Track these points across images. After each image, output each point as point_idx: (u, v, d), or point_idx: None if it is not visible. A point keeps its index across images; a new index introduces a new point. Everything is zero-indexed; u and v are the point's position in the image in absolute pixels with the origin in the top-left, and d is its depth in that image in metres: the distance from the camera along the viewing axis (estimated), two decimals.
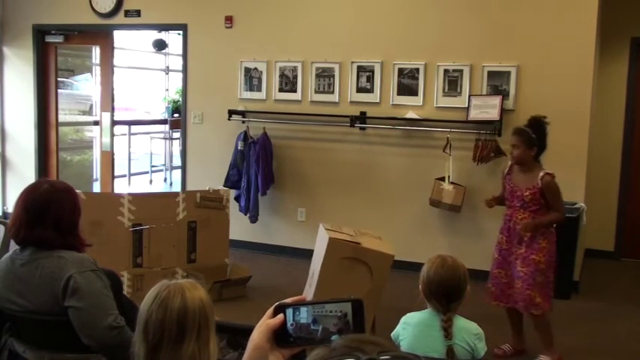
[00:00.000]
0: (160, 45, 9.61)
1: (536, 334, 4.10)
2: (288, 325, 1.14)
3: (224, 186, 6.04)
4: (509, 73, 5.55)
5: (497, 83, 5.60)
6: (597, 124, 6.16)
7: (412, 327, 2.54)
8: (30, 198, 2.41)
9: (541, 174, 3.95)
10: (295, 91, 6.25)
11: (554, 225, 4.05)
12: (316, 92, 6.18)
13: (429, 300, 2.51)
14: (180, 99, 7.74)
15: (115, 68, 7.54)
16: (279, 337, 1.14)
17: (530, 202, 3.97)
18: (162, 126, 11.26)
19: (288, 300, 1.17)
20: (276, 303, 1.16)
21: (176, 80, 10.53)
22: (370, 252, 4.18)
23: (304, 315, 1.14)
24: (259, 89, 6.38)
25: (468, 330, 2.50)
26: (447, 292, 2.46)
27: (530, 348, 4.23)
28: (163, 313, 1.68)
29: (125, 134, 10.20)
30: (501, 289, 4.11)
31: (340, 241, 4.18)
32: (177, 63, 10.28)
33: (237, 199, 6.25)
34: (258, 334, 1.15)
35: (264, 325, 1.15)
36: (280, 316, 1.15)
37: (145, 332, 1.68)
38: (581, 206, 5.28)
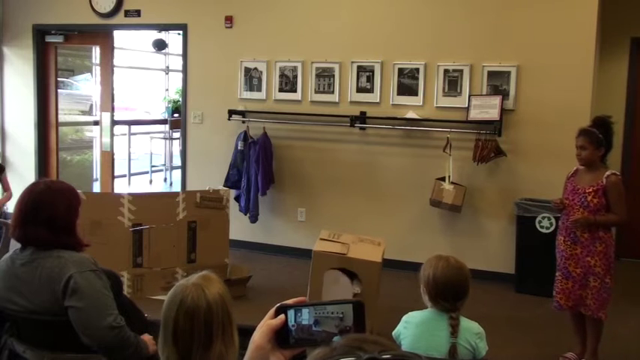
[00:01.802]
0: (160, 45, 9.60)
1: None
2: (290, 326, 1.15)
3: (224, 186, 6.04)
4: (509, 73, 5.55)
5: (497, 83, 5.60)
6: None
7: (414, 326, 2.54)
8: (25, 197, 2.42)
9: (607, 173, 3.84)
10: (295, 91, 6.25)
11: (612, 229, 3.91)
12: (316, 92, 6.18)
13: (434, 301, 2.50)
14: (180, 99, 7.73)
15: (115, 68, 7.54)
16: (281, 337, 1.15)
17: (591, 200, 3.82)
18: (162, 126, 11.26)
19: (290, 301, 1.17)
20: (278, 304, 1.16)
21: (176, 80, 10.53)
22: (355, 261, 4.20)
23: (305, 316, 1.15)
24: (259, 89, 6.38)
25: (469, 329, 2.50)
26: (455, 291, 2.46)
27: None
28: (191, 320, 1.69)
29: (125, 134, 10.20)
30: (567, 298, 3.96)
31: (325, 253, 4.23)
32: (177, 63, 10.28)
33: (237, 199, 6.25)
34: (259, 335, 1.15)
35: (266, 325, 1.16)
36: (281, 316, 1.15)
37: (174, 341, 1.68)
38: None
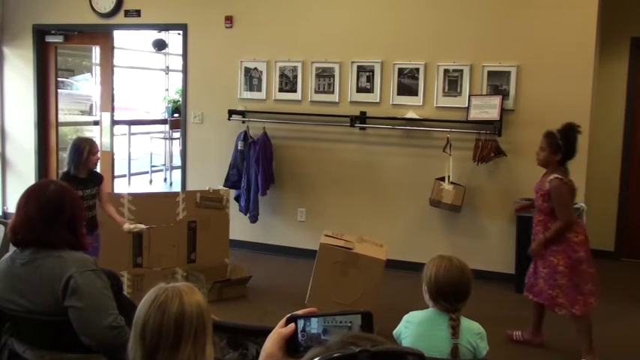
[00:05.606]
0: (160, 45, 9.61)
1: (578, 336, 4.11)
2: (299, 334, 1.18)
3: (224, 186, 6.04)
4: (509, 73, 5.55)
5: (497, 83, 5.60)
6: (597, 124, 6.16)
7: (415, 326, 2.54)
8: (42, 198, 2.39)
9: (551, 177, 3.93)
10: (295, 91, 6.25)
11: (581, 227, 4.06)
12: (316, 92, 6.18)
13: (435, 301, 2.50)
14: (180, 99, 7.74)
15: (115, 68, 7.54)
16: (291, 346, 1.18)
17: (542, 204, 4.00)
18: (163, 126, 11.26)
19: (300, 312, 1.21)
20: (288, 314, 1.20)
21: (176, 80, 10.53)
22: (361, 257, 4.24)
23: (315, 325, 1.18)
24: (259, 89, 6.39)
25: (470, 330, 2.51)
26: (456, 291, 2.47)
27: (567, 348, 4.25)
28: (161, 317, 1.66)
29: (125, 134, 10.20)
30: (531, 283, 4.20)
31: (332, 246, 4.25)
32: (177, 63, 10.28)
33: (237, 199, 6.25)
34: (270, 343, 1.19)
35: (277, 334, 1.20)
36: (292, 325, 1.19)
37: (142, 336, 1.66)
38: (581, 206, 5.28)
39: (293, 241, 6.33)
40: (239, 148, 6.29)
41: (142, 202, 4.83)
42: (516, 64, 5.53)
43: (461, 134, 5.62)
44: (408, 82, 5.87)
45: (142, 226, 4.46)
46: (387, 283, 4.62)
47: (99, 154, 4.59)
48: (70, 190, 2.52)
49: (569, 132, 3.99)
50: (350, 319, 1.18)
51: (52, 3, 7.16)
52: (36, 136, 7.37)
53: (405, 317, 2.61)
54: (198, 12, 6.58)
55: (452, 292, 2.46)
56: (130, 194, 4.86)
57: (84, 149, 4.34)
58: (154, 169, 10.77)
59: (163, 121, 11.05)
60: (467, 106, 5.60)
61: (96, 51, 7.94)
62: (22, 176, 7.33)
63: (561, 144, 3.94)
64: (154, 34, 9.48)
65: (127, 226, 4.41)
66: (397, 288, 5.05)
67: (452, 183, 5.59)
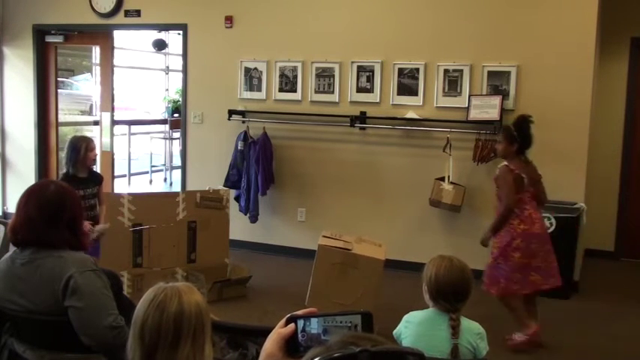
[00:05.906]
0: (160, 45, 9.61)
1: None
2: (299, 335, 1.18)
3: (224, 186, 6.04)
4: (509, 73, 5.55)
5: (497, 83, 5.60)
6: (597, 124, 6.16)
7: (415, 325, 2.54)
8: (42, 198, 2.39)
9: (500, 165, 4.25)
10: (295, 91, 6.25)
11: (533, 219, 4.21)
12: (316, 92, 6.18)
13: (435, 301, 2.51)
14: (180, 99, 7.74)
15: (115, 68, 7.54)
16: (291, 346, 1.18)
17: (496, 190, 4.31)
18: (163, 126, 11.26)
19: (300, 312, 1.21)
20: (288, 314, 1.20)
21: (176, 80, 10.53)
22: (360, 257, 4.25)
23: (315, 325, 1.18)
24: (259, 89, 6.39)
25: (470, 330, 2.51)
26: (456, 292, 2.47)
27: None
28: (160, 316, 1.66)
29: (125, 134, 10.20)
30: None
31: (330, 247, 4.26)
32: (177, 63, 10.27)
33: (237, 199, 6.25)
34: (270, 343, 1.19)
35: (277, 334, 1.20)
36: (291, 325, 1.19)
37: (141, 336, 1.66)
38: (581, 206, 5.28)
39: (293, 241, 6.33)
40: (239, 148, 6.29)
41: (142, 202, 4.83)
42: (516, 64, 5.53)
43: (461, 134, 5.62)
44: (408, 82, 5.88)
45: (102, 226, 4.40)
46: (387, 283, 4.62)
47: (96, 151, 4.61)
48: (70, 190, 2.52)
49: (522, 123, 4.26)
50: (350, 319, 1.18)
51: (52, 3, 7.16)
52: (36, 136, 7.37)
53: (405, 317, 2.61)
54: (198, 12, 6.58)
55: (452, 292, 2.47)
56: (130, 194, 4.86)
57: (81, 147, 4.37)
58: (154, 169, 10.78)
59: (163, 121, 11.05)
60: (467, 106, 5.60)
61: (96, 51, 7.95)
62: (22, 176, 7.33)
63: (516, 135, 4.20)
64: (154, 34, 9.49)
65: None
66: (397, 288, 5.05)
67: (452, 183, 5.59)
